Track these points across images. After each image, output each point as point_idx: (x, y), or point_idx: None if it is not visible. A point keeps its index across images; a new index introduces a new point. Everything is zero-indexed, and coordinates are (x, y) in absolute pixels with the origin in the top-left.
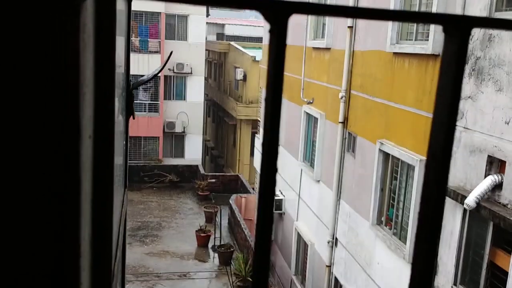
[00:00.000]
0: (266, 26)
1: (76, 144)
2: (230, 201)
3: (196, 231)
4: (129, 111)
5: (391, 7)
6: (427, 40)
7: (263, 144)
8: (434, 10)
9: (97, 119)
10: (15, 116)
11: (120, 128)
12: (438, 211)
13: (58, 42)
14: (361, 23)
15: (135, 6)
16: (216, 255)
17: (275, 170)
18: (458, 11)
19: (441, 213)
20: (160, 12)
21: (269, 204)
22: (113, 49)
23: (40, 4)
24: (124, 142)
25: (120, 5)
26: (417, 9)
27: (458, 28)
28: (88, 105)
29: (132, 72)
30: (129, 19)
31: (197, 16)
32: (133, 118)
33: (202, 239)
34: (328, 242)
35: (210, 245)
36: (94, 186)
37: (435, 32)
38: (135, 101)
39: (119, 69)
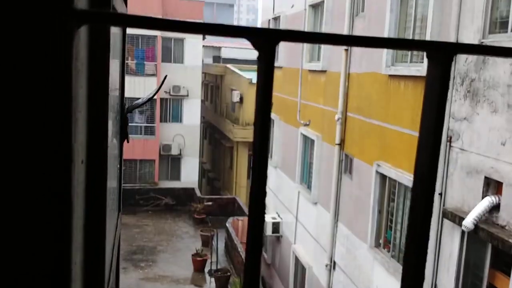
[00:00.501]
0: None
1: (68, 169)
2: (227, 224)
3: (192, 255)
4: (123, 135)
5: (386, 30)
6: (422, 62)
7: (253, 168)
8: (428, 33)
9: (90, 144)
10: (7, 142)
11: (114, 151)
12: (425, 233)
13: (50, 70)
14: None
15: (131, 30)
16: (213, 279)
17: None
18: (452, 34)
19: (428, 234)
20: (156, 36)
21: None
22: (107, 75)
23: (33, 32)
24: (118, 166)
25: (115, 28)
26: (411, 32)
27: (441, 54)
28: (81, 130)
29: (128, 95)
30: (124, 42)
31: (193, 39)
32: (127, 141)
33: (199, 264)
34: (326, 266)
35: (206, 269)
36: (87, 211)
37: None
38: (131, 124)
39: (114, 92)
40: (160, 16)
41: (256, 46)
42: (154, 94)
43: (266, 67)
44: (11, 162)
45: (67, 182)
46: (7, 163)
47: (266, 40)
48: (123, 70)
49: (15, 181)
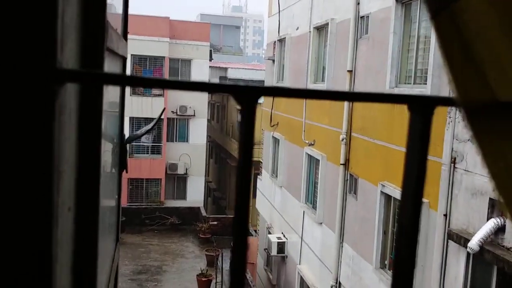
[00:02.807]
0: (267, 70)
1: (48, 218)
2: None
3: (197, 275)
4: (122, 165)
5: (389, 52)
6: (426, 83)
7: (235, 210)
8: (431, 55)
9: (79, 191)
10: None
11: (112, 183)
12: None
13: (31, 128)
14: (360, 67)
15: (139, 51)
16: None
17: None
18: None
19: (415, 245)
20: (164, 57)
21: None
22: (99, 123)
23: (13, 89)
24: (117, 197)
25: (114, 67)
26: (414, 54)
27: (422, 107)
28: (67, 180)
29: (135, 115)
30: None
31: (200, 60)
32: (126, 172)
33: (204, 284)
34: (332, 287)
35: None
36: (76, 255)
37: (433, 76)
38: (138, 144)
39: (113, 123)
40: (167, 38)
41: (238, 101)
42: (153, 126)
43: (247, 119)
44: None
45: (47, 229)
46: None
47: (247, 96)
48: (123, 100)
49: None
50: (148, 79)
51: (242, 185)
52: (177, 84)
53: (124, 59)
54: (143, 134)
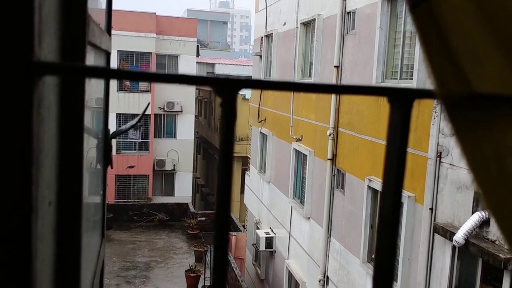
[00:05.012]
0: (254, 66)
1: (27, 212)
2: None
3: (186, 271)
4: (107, 161)
5: (376, 47)
6: (411, 79)
7: (216, 205)
8: (417, 50)
9: (61, 185)
10: None
11: (97, 178)
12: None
13: (9, 120)
14: (347, 63)
15: (126, 46)
16: None
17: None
18: None
19: (396, 235)
20: (151, 52)
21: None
22: (81, 116)
23: None
24: (102, 192)
25: (98, 62)
26: (400, 50)
27: (401, 100)
28: (47, 173)
29: (122, 111)
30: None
31: (187, 56)
32: (111, 167)
33: (192, 280)
34: (320, 281)
35: (200, 285)
36: (59, 250)
37: (419, 71)
38: (125, 140)
39: (98, 118)
40: (154, 34)
41: (218, 93)
42: (138, 121)
43: (228, 111)
44: None
45: (26, 226)
46: None
47: (227, 88)
48: (108, 94)
49: None
50: (129, 72)
51: (224, 177)
52: (158, 76)
53: (108, 54)
54: (128, 129)
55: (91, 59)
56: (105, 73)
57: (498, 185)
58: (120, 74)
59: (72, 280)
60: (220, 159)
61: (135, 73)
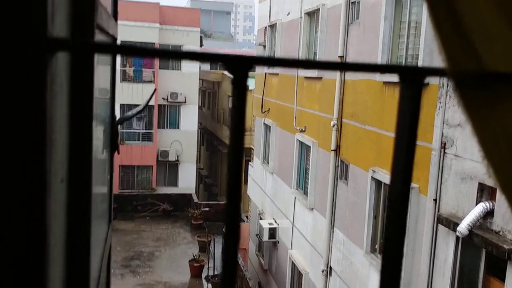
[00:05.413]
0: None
1: (41, 188)
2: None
3: (190, 261)
4: (113, 146)
5: (380, 37)
6: None
7: (227, 188)
8: (422, 39)
9: (72, 162)
10: None
11: (104, 163)
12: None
13: (24, 96)
14: (352, 53)
15: (129, 37)
16: (210, 285)
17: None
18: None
19: (405, 225)
20: (154, 43)
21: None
22: (91, 95)
23: (5, 58)
24: (109, 177)
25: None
26: (405, 40)
27: (412, 78)
28: (59, 150)
29: (126, 101)
30: (114, 56)
31: (190, 46)
32: (118, 153)
33: (196, 269)
34: (323, 271)
35: (203, 275)
36: (69, 227)
37: (424, 61)
38: (129, 130)
39: (104, 105)
40: (157, 24)
41: (230, 71)
42: (144, 108)
43: (240, 89)
44: None
45: (41, 202)
46: None
47: (239, 65)
48: (114, 82)
49: None
50: (138, 48)
51: (235, 162)
52: (167, 53)
53: (114, 40)
54: (134, 115)
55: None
56: (118, 49)
57: (508, 161)
58: (132, 51)
59: (82, 257)
60: (231, 136)
61: (146, 49)
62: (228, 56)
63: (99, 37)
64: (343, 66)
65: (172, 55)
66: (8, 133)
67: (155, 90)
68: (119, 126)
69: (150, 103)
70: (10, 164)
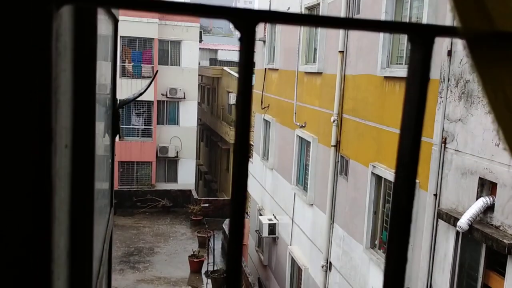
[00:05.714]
0: (257, 51)
1: (47, 151)
2: (224, 226)
3: (189, 256)
4: (115, 130)
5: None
6: None
7: (234, 152)
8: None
9: (76, 129)
10: None
11: (105, 144)
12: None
13: (28, 50)
14: (352, 48)
15: (128, 32)
16: (210, 281)
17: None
18: (447, 21)
19: (410, 219)
20: (153, 38)
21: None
22: (94, 59)
23: (11, 13)
24: (110, 160)
25: (106, 29)
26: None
27: (422, 37)
28: (64, 114)
29: (125, 97)
30: (116, 36)
31: (190, 41)
32: (120, 138)
33: (195, 265)
34: (322, 267)
35: (203, 270)
36: (73, 193)
37: None
38: (128, 126)
39: (105, 88)
40: (157, 20)
41: (237, 26)
42: (145, 89)
43: (247, 46)
44: None
45: (47, 164)
46: None
47: (246, 20)
48: (115, 67)
49: None
50: (141, 0)
51: (243, 129)
52: (171, 6)
53: (116, 22)
54: (135, 98)
55: (102, 25)
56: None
57: None
58: (135, 4)
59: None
60: (238, 96)
61: (150, 2)
62: (235, 10)
63: (101, 17)
64: (350, 22)
65: (176, 9)
66: (13, 87)
67: (157, 71)
68: (120, 110)
69: (148, 99)
70: (15, 120)
